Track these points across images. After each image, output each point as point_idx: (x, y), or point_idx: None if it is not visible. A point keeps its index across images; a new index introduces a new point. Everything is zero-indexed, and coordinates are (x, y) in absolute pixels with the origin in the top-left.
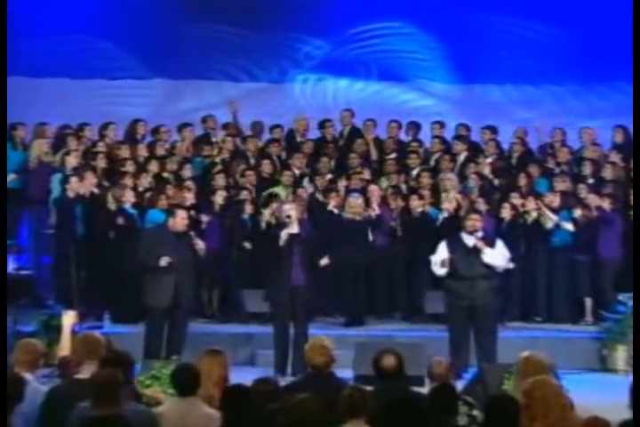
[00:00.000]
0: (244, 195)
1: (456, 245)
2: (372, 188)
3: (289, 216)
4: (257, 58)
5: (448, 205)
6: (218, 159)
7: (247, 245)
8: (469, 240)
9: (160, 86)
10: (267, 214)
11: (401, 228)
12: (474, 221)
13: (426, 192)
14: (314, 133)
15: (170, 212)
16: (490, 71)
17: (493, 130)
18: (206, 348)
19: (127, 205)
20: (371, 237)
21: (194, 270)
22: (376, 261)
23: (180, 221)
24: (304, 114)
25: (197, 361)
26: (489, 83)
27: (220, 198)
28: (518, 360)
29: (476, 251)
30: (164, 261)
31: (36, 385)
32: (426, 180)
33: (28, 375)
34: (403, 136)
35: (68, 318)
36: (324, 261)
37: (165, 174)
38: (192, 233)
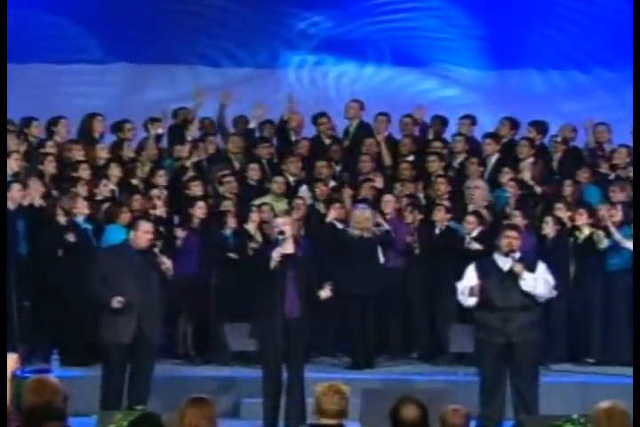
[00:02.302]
0: (226, 206)
1: (488, 269)
2: (388, 198)
3: (282, 232)
4: (241, 37)
5: (471, 220)
6: (189, 163)
7: (230, 267)
8: (505, 263)
9: (123, 72)
10: (251, 229)
11: (419, 247)
12: (510, 239)
13: (448, 203)
14: (311, 130)
15: (132, 224)
16: (529, 54)
17: (541, 127)
18: (185, 395)
19: (80, 219)
20: (382, 259)
21: (162, 299)
22: (388, 287)
23: (142, 235)
24: (299, 106)
25: (179, 412)
26: (528, 68)
27: (199, 211)
28: (596, 413)
29: (512, 276)
30: (116, 303)
31: None
32: (443, 187)
33: None
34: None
35: (8, 361)
36: (325, 293)
37: (134, 181)
38: (156, 250)
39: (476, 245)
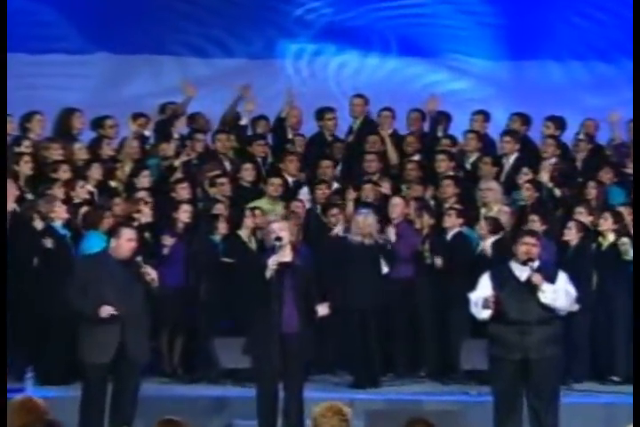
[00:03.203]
0: (218, 209)
1: (504, 279)
2: (396, 201)
3: (279, 239)
4: (233, 25)
5: (485, 226)
6: (177, 162)
7: (220, 277)
8: (522, 272)
9: (104, 63)
10: (245, 235)
11: (428, 255)
12: (529, 246)
13: (459, 207)
14: (311, 127)
15: (113, 231)
16: (548, 43)
17: (559, 123)
18: (162, 416)
19: (57, 224)
20: (387, 268)
21: (147, 312)
22: (394, 299)
23: (124, 243)
24: (297, 100)
25: None
26: (547, 59)
27: (184, 215)
28: None
29: (530, 287)
30: (104, 312)
31: None
32: (450, 189)
33: None
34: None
35: None
36: (323, 310)
37: (113, 183)
38: (139, 259)
39: (491, 253)
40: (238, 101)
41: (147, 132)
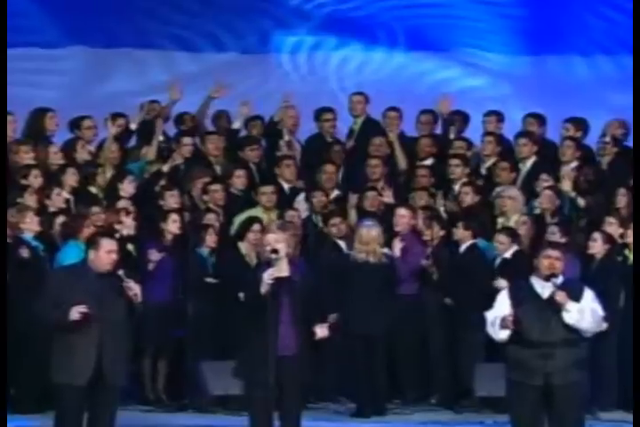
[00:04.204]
0: (209, 220)
1: (524, 296)
2: (402, 212)
3: (275, 251)
4: (223, 16)
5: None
6: (166, 167)
7: (213, 280)
8: (544, 289)
9: (80, 58)
10: (245, 249)
11: (438, 270)
12: (552, 259)
13: (473, 216)
14: (309, 128)
15: (91, 242)
16: (573, 37)
17: (580, 125)
18: None
19: (28, 235)
20: (394, 284)
21: (128, 331)
22: (401, 319)
23: (104, 255)
24: (295, 99)
25: None
26: (570, 53)
27: (173, 226)
28: None
29: (553, 305)
30: (75, 313)
31: None
32: (469, 197)
33: None
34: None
35: None
36: (322, 332)
37: (93, 189)
38: (121, 272)
39: (509, 268)
40: (209, 103)
41: (133, 126)
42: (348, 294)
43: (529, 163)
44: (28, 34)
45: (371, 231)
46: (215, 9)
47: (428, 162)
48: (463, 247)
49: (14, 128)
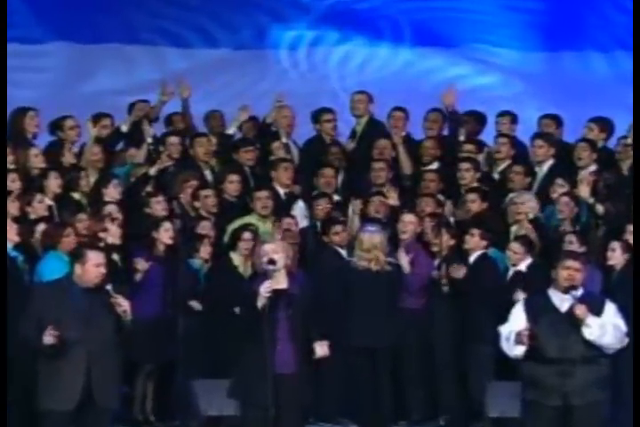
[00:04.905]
0: (204, 228)
1: (541, 310)
2: (408, 218)
3: (272, 262)
4: (216, 10)
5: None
6: (153, 171)
7: (198, 306)
8: (563, 302)
9: (63, 54)
10: (238, 260)
11: (448, 282)
12: (571, 271)
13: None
14: (309, 130)
15: (77, 255)
16: (591, 31)
17: (605, 125)
18: None
19: (8, 246)
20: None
21: (117, 349)
22: (407, 332)
23: (91, 269)
24: (293, 99)
25: None
26: (588, 49)
27: (165, 235)
28: None
29: (573, 320)
30: (47, 337)
31: None
32: (476, 205)
33: None
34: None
35: None
36: (322, 351)
37: (76, 195)
38: (109, 287)
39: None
40: (187, 105)
41: (124, 128)
42: (348, 305)
43: (545, 166)
44: (10, 29)
45: (373, 237)
46: (208, 2)
47: (434, 166)
48: (473, 257)
49: None
